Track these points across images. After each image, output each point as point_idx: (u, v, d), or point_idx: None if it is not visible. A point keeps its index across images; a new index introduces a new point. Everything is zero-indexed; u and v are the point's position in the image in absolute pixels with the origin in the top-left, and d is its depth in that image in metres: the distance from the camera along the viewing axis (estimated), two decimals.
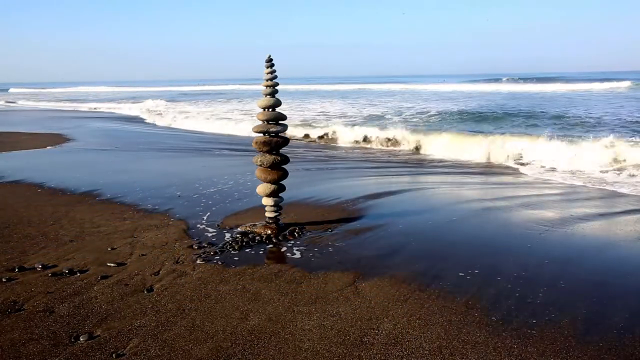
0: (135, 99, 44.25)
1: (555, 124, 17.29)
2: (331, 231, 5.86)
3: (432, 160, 12.14)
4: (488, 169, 10.78)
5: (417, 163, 11.76)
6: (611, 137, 11.35)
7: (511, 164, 11.36)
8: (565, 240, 5.57)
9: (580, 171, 9.98)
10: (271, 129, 5.67)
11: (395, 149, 14.37)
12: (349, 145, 15.28)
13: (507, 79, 71.40)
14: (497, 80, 73.74)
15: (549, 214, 6.65)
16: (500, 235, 5.83)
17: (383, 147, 14.62)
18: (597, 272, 4.61)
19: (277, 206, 5.86)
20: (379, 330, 3.53)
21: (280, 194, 5.87)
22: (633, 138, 12.38)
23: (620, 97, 30.34)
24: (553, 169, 10.35)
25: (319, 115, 23.52)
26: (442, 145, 13.25)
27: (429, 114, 22.19)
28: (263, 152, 5.73)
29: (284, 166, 5.85)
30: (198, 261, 4.90)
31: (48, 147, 13.93)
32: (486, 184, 9.12)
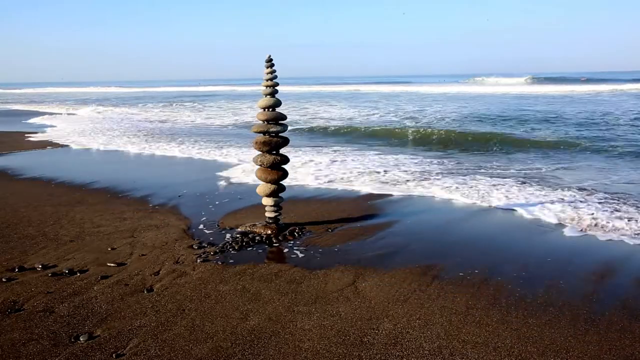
0: (99, 101, 43.43)
1: None
2: (331, 231, 5.86)
3: None
4: None
5: None
6: None
7: None
8: (566, 240, 5.57)
9: None
10: (271, 129, 5.67)
11: None
12: None
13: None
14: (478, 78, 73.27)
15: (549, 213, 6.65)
16: (500, 235, 5.83)
17: None
18: (598, 272, 4.60)
19: (277, 206, 5.86)
20: (379, 330, 3.53)
21: (280, 194, 5.87)
22: None
23: None
24: None
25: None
26: None
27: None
28: (263, 152, 5.73)
29: (283, 166, 5.85)
30: (198, 261, 4.90)
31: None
32: None
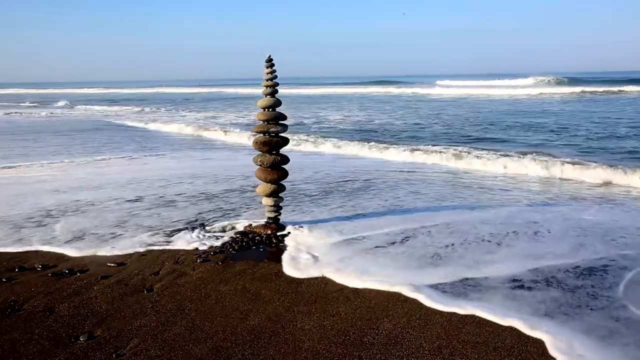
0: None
1: None
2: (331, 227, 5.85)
3: None
4: None
5: None
6: None
7: None
8: (566, 235, 5.56)
9: None
10: (271, 129, 5.67)
11: None
12: None
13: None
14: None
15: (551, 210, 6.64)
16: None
17: None
18: (598, 268, 4.59)
19: (277, 206, 5.86)
20: (379, 330, 3.53)
21: (280, 194, 5.87)
22: None
23: None
24: None
25: None
26: None
27: None
28: (263, 152, 5.73)
29: (283, 166, 5.85)
30: (198, 261, 4.90)
31: None
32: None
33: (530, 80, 61.05)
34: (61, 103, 40.54)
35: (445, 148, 12.40)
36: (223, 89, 72.50)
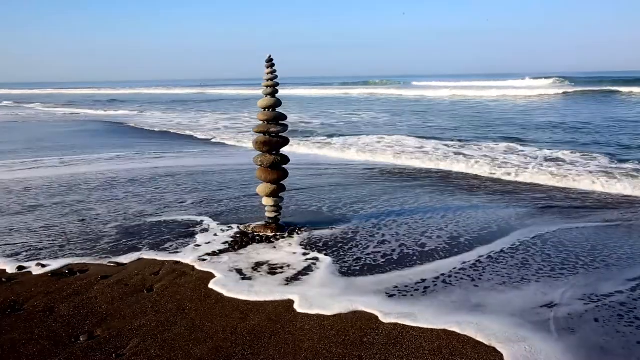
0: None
1: None
2: (331, 231, 5.86)
3: None
4: None
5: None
6: None
7: None
8: (569, 235, 5.57)
9: None
10: (271, 129, 5.67)
11: None
12: None
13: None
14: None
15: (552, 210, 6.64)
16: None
17: None
18: (599, 267, 4.60)
19: (277, 206, 5.86)
20: (379, 330, 3.53)
21: (281, 194, 5.87)
22: None
23: None
24: None
25: None
26: None
27: None
28: (263, 152, 5.73)
29: (283, 166, 5.85)
30: (198, 261, 4.90)
31: None
32: None
33: (546, 81, 57.81)
34: (34, 105, 38.76)
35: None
36: (224, 90, 71.86)
